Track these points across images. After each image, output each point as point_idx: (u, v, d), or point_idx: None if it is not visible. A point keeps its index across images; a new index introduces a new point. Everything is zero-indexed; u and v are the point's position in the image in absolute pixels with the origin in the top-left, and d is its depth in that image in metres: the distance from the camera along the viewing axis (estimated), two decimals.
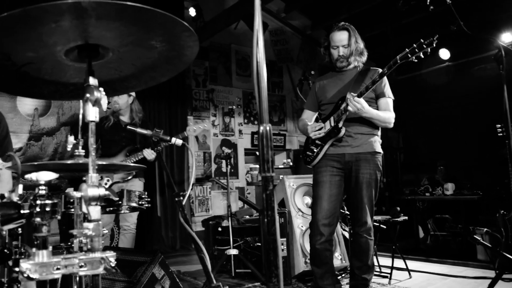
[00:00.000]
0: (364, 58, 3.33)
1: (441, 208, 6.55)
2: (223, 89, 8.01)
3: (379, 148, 3.26)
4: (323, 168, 3.25)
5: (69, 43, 1.21)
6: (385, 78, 3.30)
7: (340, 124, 3.17)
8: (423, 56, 2.93)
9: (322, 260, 3.22)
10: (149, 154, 4.02)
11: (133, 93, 4.28)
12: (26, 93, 1.52)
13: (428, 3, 3.64)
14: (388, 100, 3.23)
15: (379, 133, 3.32)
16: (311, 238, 3.28)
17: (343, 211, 4.26)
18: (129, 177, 4.09)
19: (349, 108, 3.02)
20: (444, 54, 6.70)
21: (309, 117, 3.52)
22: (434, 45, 2.90)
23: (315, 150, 3.32)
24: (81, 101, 1.61)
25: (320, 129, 3.26)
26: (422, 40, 2.90)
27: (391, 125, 3.24)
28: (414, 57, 2.92)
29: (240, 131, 8.13)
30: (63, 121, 5.91)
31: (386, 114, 3.20)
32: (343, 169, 3.21)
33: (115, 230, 4.54)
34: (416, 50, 2.91)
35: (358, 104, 3.00)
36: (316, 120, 3.48)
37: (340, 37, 3.24)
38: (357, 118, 3.17)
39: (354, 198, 3.18)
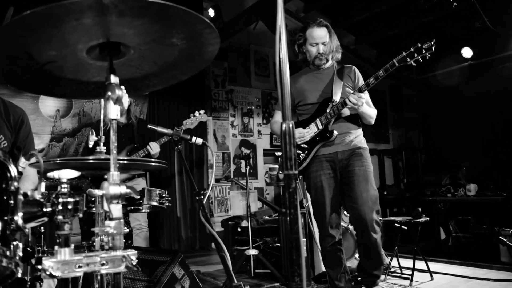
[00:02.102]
0: (340, 55, 3.30)
1: (463, 210, 6.43)
2: (242, 90, 8.00)
3: (366, 144, 3.26)
4: (318, 172, 3.19)
5: (90, 41, 1.21)
6: (358, 72, 3.29)
7: (330, 127, 3.14)
8: (422, 61, 2.88)
9: (336, 261, 3.19)
10: (154, 147, 4.03)
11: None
12: (48, 92, 1.53)
13: (451, 0, 3.58)
14: (367, 95, 3.19)
15: (361, 130, 3.30)
16: (321, 242, 3.25)
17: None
18: (136, 176, 4.10)
19: (350, 105, 2.98)
20: (467, 52, 6.59)
21: None
22: (433, 49, 2.84)
23: (302, 154, 3.24)
24: (102, 99, 1.62)
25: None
26: (419, 44, 2.86)
27: (373, 122, 3.24)
28: (412, 61, 2.88)
29: (259, 132, 8.11)
30: (84, 122, 5.98)
31: (373, 110, 3.21)
32: (337, 168, 3.16)
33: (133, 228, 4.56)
34: (415, 54, 2.87)
35: (362, 99, 2.97)
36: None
37: (320, 33, 3.18)
38: (344, 117, 3.17)
39: (354, 194, 3.08)
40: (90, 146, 1.54)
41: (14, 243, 1.13)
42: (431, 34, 6.45)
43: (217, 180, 7.41)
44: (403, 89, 9.47)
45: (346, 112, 3.16)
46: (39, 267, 1.12)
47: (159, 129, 2.46)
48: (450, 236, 6.43)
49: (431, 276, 4.14)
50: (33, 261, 1.39)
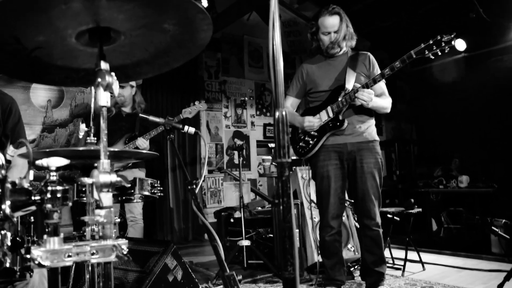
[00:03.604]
0: (354, 42, 3.23)
1: (455, 201, 6.48)
2: (236, 81, 7.97)
3: (377, 136, 3.22)
4: (325, 161, 3.17)
5: (80, 26, 1.18)
6: (374, 59, 3.24)
7: (341, 116, 3.10)
8: (440, 54, 2.82)
9: (332, 251, 3.20)
10: (141, 143, 3.99)
11: (134, 84, 4.27)
12: (37, 79, 1.50)
13: None
14: (382, 84, 3.15)
15: (374, 120, 3.26)
16: (320, 231, 3.26)
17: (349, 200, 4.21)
18: (129, 164, 4.06)
19: (359, 101, 2.94)
20: (460, 45, 6.58)
21: (293, 104, 3.39)
22: (453, 43, 2.79)
23: (310, 142, 3.21)
24: (93, 87, 1.60)
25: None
26: (439, 37, 2.77)
27: (389, 111, 3.20)
28: (431, 54, 2.82)
29: (252, 123, 8.09)
30: (76, 113, 5.93)
31: (386, 100, 3.16)
32: (345, 159, 3.14)
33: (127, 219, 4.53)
34: (434, 47, 2.79)
35: (371, 95, 2.94)
36: (301, 107, 3.40)
37: (332, 22, 3.12)
38: (356, 106, 3.10)
39: (360, 189, 3.10)
40: (81, 136, 1.51)
41: (2, 232, 1.11)
42: (425, 26, 6.44)
43: (210, 171, 7.40)
44: (396, 81, 9.49)
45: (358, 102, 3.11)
46: (28, 256, 1.10)
47: (151, 118, 2.43)
48: (442, 227, 6.48)
49: (423, 266, 4.17)
50: (22, 251, 1.36)
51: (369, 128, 3.17)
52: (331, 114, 3.12)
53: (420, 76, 8.10)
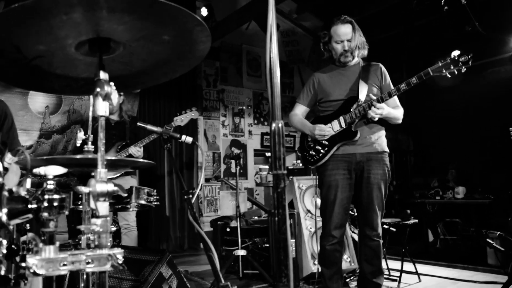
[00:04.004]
0: (366, 52, 3.25)
1: (452, 212, 6.48)
2: (234, 90, 8.00)
3: (387, 148, 3.22)
4: (333, 170, 3.14)
5: (80, 36, 1.20)
6: (385, 70, 3.26)
7: (353, 127, 3.11)
8: (456, 73, 2.84)
9: (332, 260, 3.18)
10: (135, 151, 4.00)
11: (122, 93, 4.29)
12: (37, 87, 1.51)
13: (442, 3, 3.58)
14: (395, 96, 3.17)
15: (384, 131, 3.28)
16: (321, 239, 3.22)
17: (352, 213, 4.21)
18: (119, 174, 4.06)
19: (372, 114, 2.96)
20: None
21: (303, 112, 3.39)
22: (470, 64, 2.79)
23: (321, 151, 3.20)
24: (91, 96, 1.61)
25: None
26: (456, 56, 2.79)
27: (401, 121, 3.21)
28: (447, 73, 2.84)
29: (250, 132, 8.11)
30: (74, 119, 5.94)
31: (398, 111, 3.17)
32: (354, 169, 3.14)
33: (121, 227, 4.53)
34: (451, 66, 2.81)
35: (383, 110, 2.96)
36: (310, 117, 3.41)
37: (345, 30, 3.14)
38: (368, 117, 3.12)
39: (365, 199, 3.11)
40: (78, 144, 1.52)
41: None
42: (422, 37, 6.48)
43: (207, 180, 7.40)
44: None
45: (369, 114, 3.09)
46: (23, 264, 1.10)
47: (149, 127, 2.44)
48: (438, 239, 6.47)
49: (419, 278, 4.16)
50: (17, 258, 1.36)
51: (380, 139, 3.18)
52: (343, 125, 3.12)
53: (418, 87, 8.15)
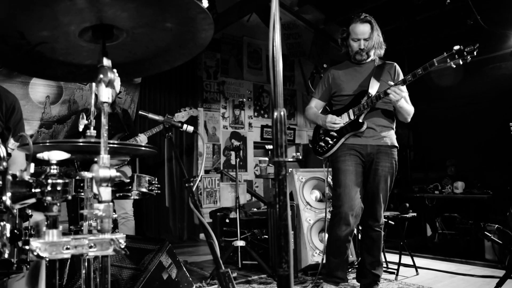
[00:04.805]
0: (382, 51, 3.28)
1: (450, 207, 6.51)
2: (234, 82, 7.99)
3: (396, 143, 3.25)
4: (346, 157, 3.19)
5: (83, 22, 1.20)
6: (399, 69, 3.29)
7: (361, 119, 3.15)
8: (461, 63, 2.84)
9: (342, 251, 3.19)
10: (143, 139, 4.04)
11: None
12: (39, 74, 1.52)
13: None
14: (406, 95, 3.17)
15: (394, 128, 3.30)
16: (334, 228, 3.17)
17: None
18: (125, 163, 4.09)
19: (391, 96, 2.96)
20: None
21: (318, 106, 3.48)
22: (475, 54, 2.79)
23: (330, 142, 3.27)
24: (93, 83, 1.61)
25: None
26: (462, 47, 2.80)
27: (410, 119, 3.23)
28: (452, 63, 2.84)
29: (250, 124, 8.11)
30: (74, 109, 5.93)
31: (410, 107, 3.20)
32: (364, 160, 3.19)
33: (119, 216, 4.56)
34: (456, 56, 2.82)
35: (404, 92, 2.97)
36: (325, 110, 3.46)
37: (363, 29, 3.17)
38: (379, 111, 3.15)
39: (371, 190, 3.17)
40: (80, 129, 1.53)
41: (2, 223, 1.12)
42: (423, 32, 6.47)
43: (206, 172, 7.41)
44: None
45: (380, 105, 3.12)
46: (27, 247, 1.11)
47: (150, 115, 2.45)
48: (436, 233, 6.50)
49: (417, 271, 4.18)
50: (19, 243, 1.38)
51: (390, 134, 3.22)
52: (352, 117, 3.18)
53: (418, 81, 8.13)
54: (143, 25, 1.25)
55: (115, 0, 1.10)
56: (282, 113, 1.10)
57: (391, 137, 3.22)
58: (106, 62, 1.22)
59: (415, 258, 4.24)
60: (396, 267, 4.08)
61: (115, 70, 1.22)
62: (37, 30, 1.20)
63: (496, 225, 4.35)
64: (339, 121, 3.20)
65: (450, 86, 7.52)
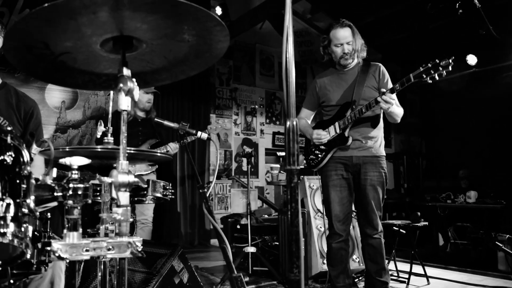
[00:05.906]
0: (365, 53, 3.30)
1: (463, 216, 6.46)
2: (246, 89, 8.05)
3: (383, 152, 3.28)
4: (331, 172, 3.26)
5: (105, 34, 1.25)
6: (384, 70, 3.29)
7: (346, 133, 3.17)
8: (438, 78, 2.84)
9: (338, 259, 3.23)
10: (173, 148, 4.09)
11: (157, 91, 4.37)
12: (60, 82, 1.58)
13: (457, 7, 3.58)
14: (394, 96, 3.18)
15: (382, 134, 3.31)
16: (328, 238, 3.31)
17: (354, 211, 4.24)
18: (153, 170, 4.15)
19: (382, 105, 2.97)
20: (472, 59, 6.61)
21: (307, 116, 3.52)
22: (450, 68, 2.81)
23: (319, 155, 3.32)
24: (111, 91, 1.67)
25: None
26: (437, 61, 2.80)
27: (399, 120, 3.24)
28: (428, 78, 2.84)
29: (261, 131, 8.16)
30: (89, 115, 6.03)
31: (400, 109, 3.21)
32: (351, 172, 3.22)
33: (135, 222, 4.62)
34: (431, 71, 2.81)
35: (393, 100, 2.98)
36: (315, 118, 3.50)
37: (344, 34, 3.20)
38: (364, 121, 3.18)
39: (363, 200, 3.19)
40: (98, 136, 1.58)
41: (25, 225, 1.17)
42: (436, 40, 6.46)
43: (218, 177, 7.46)
44: (406, 94, 9.51)
45: (366, 113, 3.13)
46: (48, 248, 1.16)
47: (166, 122, 2.50)
48: (449, 243, 6.46)
49: (428, 280, 4.17)
50: (39, 245, 1.43)
51: (376, 143, 3.23)
52: (338, 130, 3.21)
53: (431, 89, 8.11)
54: (161, 36, 1.29)
55: (136, 13, 1.15)
56: (294, 123, 1.14)
57: (377, 147, 3.24)
58: (126, 71, 1.28)
59: (426, 268, 4.23)
60: (407, 276, 4.08)
61: (134, 80, 1.27)
62: (61, 41, 1.26)
63: (507, 235, 4.32)
64: (324, 136, 3.24)
65: (464, 94, 7.50)
